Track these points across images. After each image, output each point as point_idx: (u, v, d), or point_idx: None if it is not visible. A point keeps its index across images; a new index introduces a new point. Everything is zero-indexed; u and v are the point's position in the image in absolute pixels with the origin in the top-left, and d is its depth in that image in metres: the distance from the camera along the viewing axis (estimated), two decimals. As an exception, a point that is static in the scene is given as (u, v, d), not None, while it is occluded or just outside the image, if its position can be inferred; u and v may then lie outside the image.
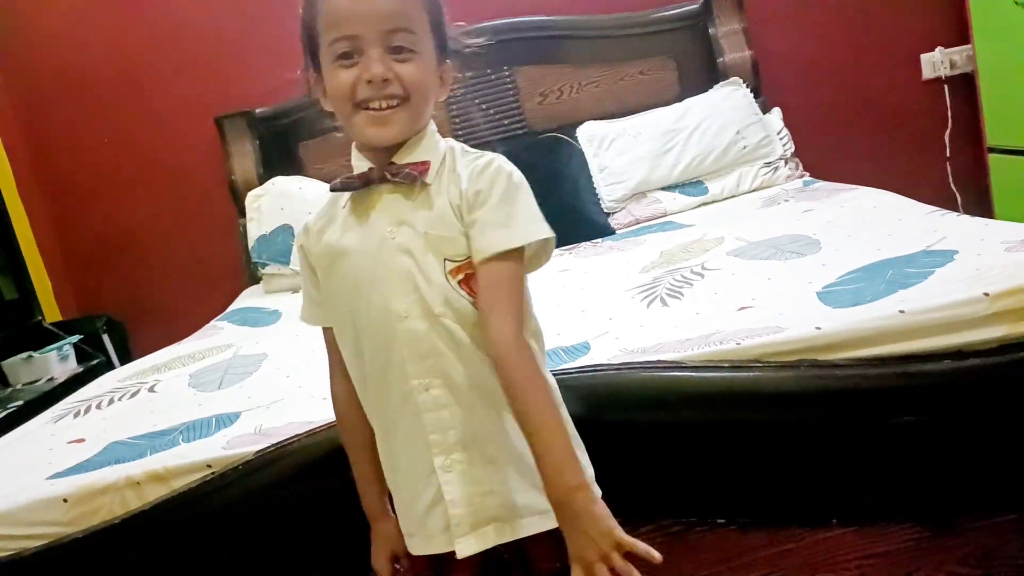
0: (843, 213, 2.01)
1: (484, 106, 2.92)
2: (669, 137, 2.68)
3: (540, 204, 1.00)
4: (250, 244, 2.75)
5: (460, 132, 2.84)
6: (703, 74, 2.90)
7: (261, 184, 2.85)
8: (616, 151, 2.71)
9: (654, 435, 1.23)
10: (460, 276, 0.97)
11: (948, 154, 3.03)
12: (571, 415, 1.01)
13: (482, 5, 2.65)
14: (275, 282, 2.70)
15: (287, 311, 2.39)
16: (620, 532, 0.88)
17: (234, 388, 1.66)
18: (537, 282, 1.04)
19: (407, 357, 0.96)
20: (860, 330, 1.23)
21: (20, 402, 2.32)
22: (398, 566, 1.08)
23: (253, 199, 2.79)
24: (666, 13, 2.93)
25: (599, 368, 1.25)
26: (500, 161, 0.99)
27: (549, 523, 0.95)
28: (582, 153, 2.71)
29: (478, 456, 0.97)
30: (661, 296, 1.67)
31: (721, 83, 2.81)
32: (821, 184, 2.49)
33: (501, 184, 0.97)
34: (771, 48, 2.92)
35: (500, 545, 0.98)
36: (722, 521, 1.26)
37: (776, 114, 2.81)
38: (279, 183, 2.79)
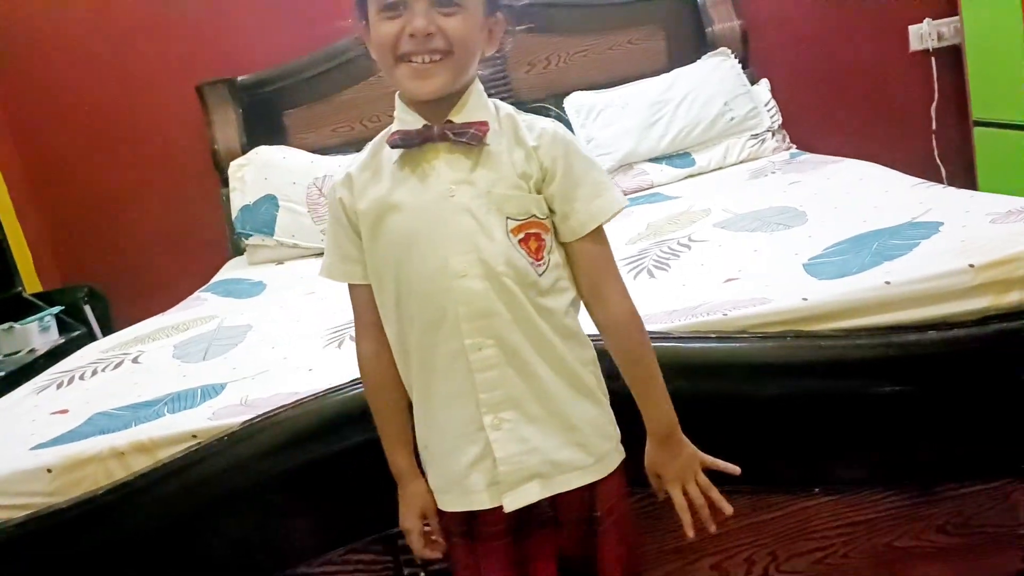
0: (829, 185, 2.02)
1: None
2: (657, 108, 2.66)
3: (527, 175, 1.01)
4: (233, 214, 2.72)
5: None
6: (692, 43, 2.89)
7: (244, 153, 2.80)
8: (603, 122, 2.69)
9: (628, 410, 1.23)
10: (520, 235, 0.98)
11: (934, 127, 3.04)
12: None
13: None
14: (259, 253, 2.68)
15: (271, 282, 2.38)
16: (703, 455, 1.08)
17: (219, 359, 1.65)
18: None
19: (462, 316, 0.97)
20: (846, 301, 1.24)
21: (1, 373, 2.30)
22: (427, 525, 1.08)
23: (236, 169, 2.75)
24: (655, -20, 2.90)
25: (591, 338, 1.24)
26: (559, 126, 1.02)
27: (588, 477, 1.02)
28: (570, 124, 2.69)
29: (523, 415, 0.99)
30: (648, 268, 1.67)
31: (709, 54, 2.80)
32: (807, 156, 2.49)
33: (576, 153, 1.00)
34: (759, 18, 2.91)
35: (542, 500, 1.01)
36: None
37: (764, 86, 2.80)
38: (263, 153, 2.76)
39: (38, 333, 2.56)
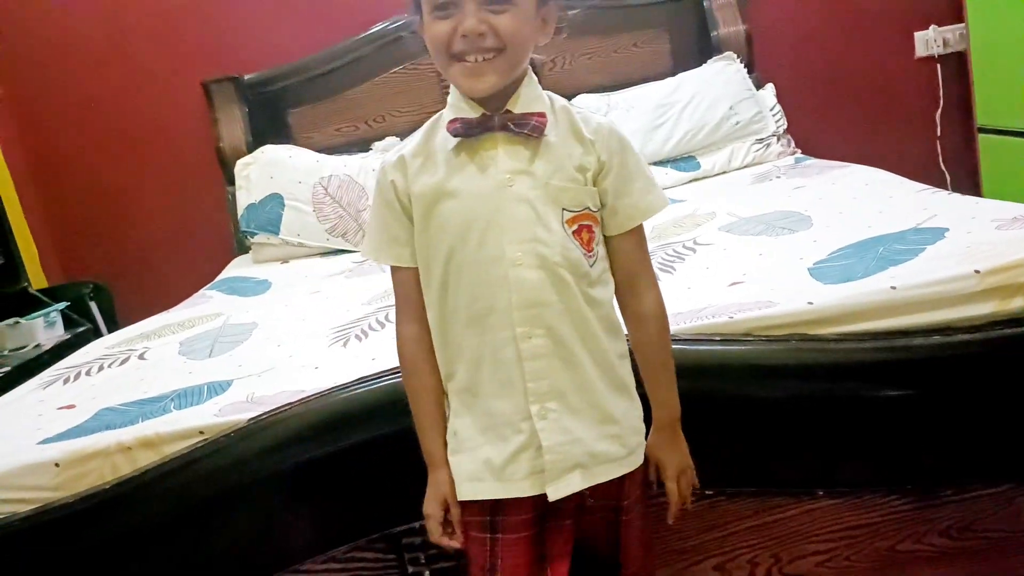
0: (834, 190, 2.02)
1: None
2: (662, 111, 2.66)
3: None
4: (239, 213, 2.73)
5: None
6: (696, 47, 2.89)
7: (250, 152, 2.81)
8: (609, 125, 2.69)
9: (644, 406, 1.23)
10: (575, 227, 1.00)
11: (939, 133, 3.04)
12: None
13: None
14: (264, 251, 2.69)
15: (277, 281, 2.39)
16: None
17: (224, 356, 1.65)
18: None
19: (515, 304, 0.98)
20: (851, 305, 1.24)
21: (7, 368, 2.31)
22: (447, 514, 1.07)
23: (242, 167, 2.76)
24: (661, -16, 2.91)
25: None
26: (613, 123, 1.04)
27: (623, 469, 1.04)
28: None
29: (566, 406, 1.00)
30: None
31: (715, 57, 2.80)
32: (812, 161, 2.49)
33: (630, 149, 1.03)
34: (765, 22, 2.91)
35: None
36: (709, 492, 1.28)
37: (769, 90, 2.80)
38: (268, 151, 2.76)
39: (43, 329, 2.57)
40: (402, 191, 1.03)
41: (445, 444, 1.06)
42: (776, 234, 1.73)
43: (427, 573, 1.28)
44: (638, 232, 1.06)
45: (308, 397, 1.25)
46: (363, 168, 2.65)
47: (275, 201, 2.66)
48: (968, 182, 2.89)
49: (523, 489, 1.01)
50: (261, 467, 1.22)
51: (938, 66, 3.00)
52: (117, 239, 3.07)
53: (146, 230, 3.06)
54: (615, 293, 1.07)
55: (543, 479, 1.00)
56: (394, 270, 1.08)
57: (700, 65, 2.80)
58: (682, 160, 2.66)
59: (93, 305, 2.79)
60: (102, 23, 2.94)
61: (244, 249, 2.81)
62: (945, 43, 2.98)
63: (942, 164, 3.04)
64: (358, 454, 1.21)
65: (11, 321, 2.55)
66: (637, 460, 1.06)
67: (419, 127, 1.07)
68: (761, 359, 1.22)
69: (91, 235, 3.08)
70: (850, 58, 3.00)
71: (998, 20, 2.60)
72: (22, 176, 2.99)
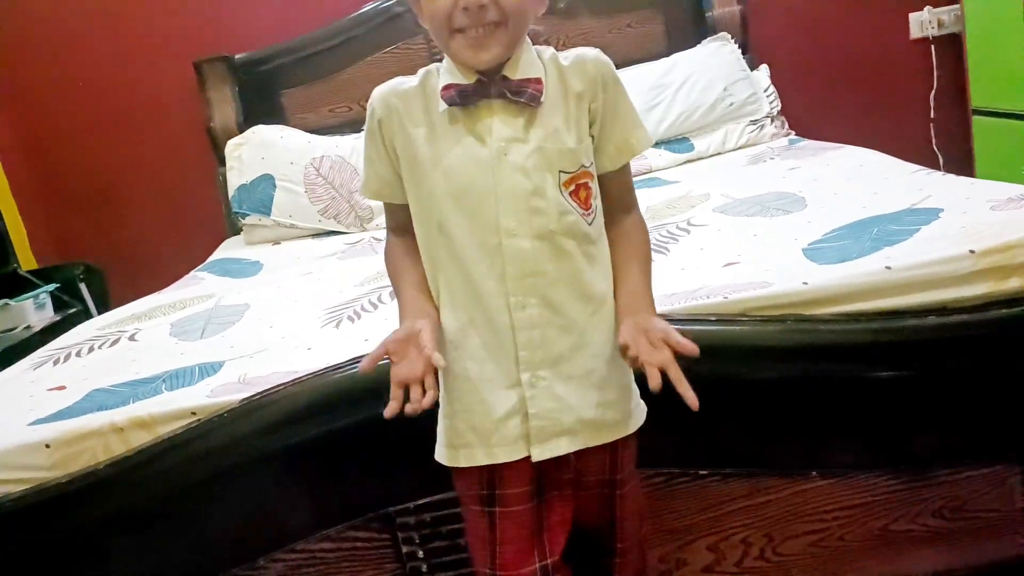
0: (829, 171, 2.02)
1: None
2: (656, 93, 2.65)
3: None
4: (230, 193, 2.71)
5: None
6: (691, 28, 2.88)
7: (241, 132, 2.79)
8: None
9: (638, 386, 1.23)
10: (572, 187, 0.99)
11: (932, 115, 3.03)
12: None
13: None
14: (256, 233, 2.67)
15: (268, 262, 2.37)
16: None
17: (216, 338, 1.64)
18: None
19: (509, 274, 0.97)
20: (846, 285, 1.24)
21: (-3, 349, 2.30)
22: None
23: (233, 148, 2.74)
24: (656, -38, 2.89)
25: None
26: (599, 55, 1.02)
27: (615, 434, 1.04)
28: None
29: (559, 373, 1.00)
30: (647, 251, 1.66)
31: (709, 38, 2.79)
32: (806, 143, 2.49)
33: (616, 84, 1.02)
34: (760, 3, 2.89)
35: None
36: (704, 472, 1.28)
37: (763, 71, 2.79)
38: (260, 132, 2.74)
39: (33, 310, 2.56)
40: (387, 137, 1.01)
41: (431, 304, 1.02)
42: (771, 215, 1.72)
43: (421, 553, 1.28)
44: (626, 166, 1.06)
45: (301, 378, 1.24)
46: (356, 149, 2.63)
47: (267, 182, 2.64)
48: (961, 164, 2.88)
49: (509, 453, 1.01)
50: (255, 447, 1.22)
51: (932, 47, 2.99)
52: (108, 220, 3.05)
53: (137, 211, 3.04)
54: (605, 214, 1.07)
55: (527, 444, 1.00)
56: (386, 205, 1.08)
57: (694, 46, 2.79)
58: (676, 141, 2.65)
59: (83, 286, 2.78)
60: (93, 2, 2.90)
61: (236, 230, 2.80)
62: (940, 24, 2.97)
63: (935, 146, 3.03)
64: (351, 434, 1.21)
65: (1, 302, 2.53)
66: (631, 426, 1.06)
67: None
68: (756, 339, 1.22)
69: (82, 216, 3.06)
70: (845, 39, 2.99)
71: (993, 1, 2.59)
72: (11, 156, 2.96)
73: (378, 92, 1.03)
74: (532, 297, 0.98)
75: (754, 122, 2.65)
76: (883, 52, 3.00)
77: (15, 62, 2.95)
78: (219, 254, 2.62)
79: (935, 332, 1.21)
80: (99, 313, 2.57)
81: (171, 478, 1.22)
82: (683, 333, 1.20)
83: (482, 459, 1.02)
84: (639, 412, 1.07)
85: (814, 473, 1.28)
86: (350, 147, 2.65)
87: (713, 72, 2.67)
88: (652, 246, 1.64)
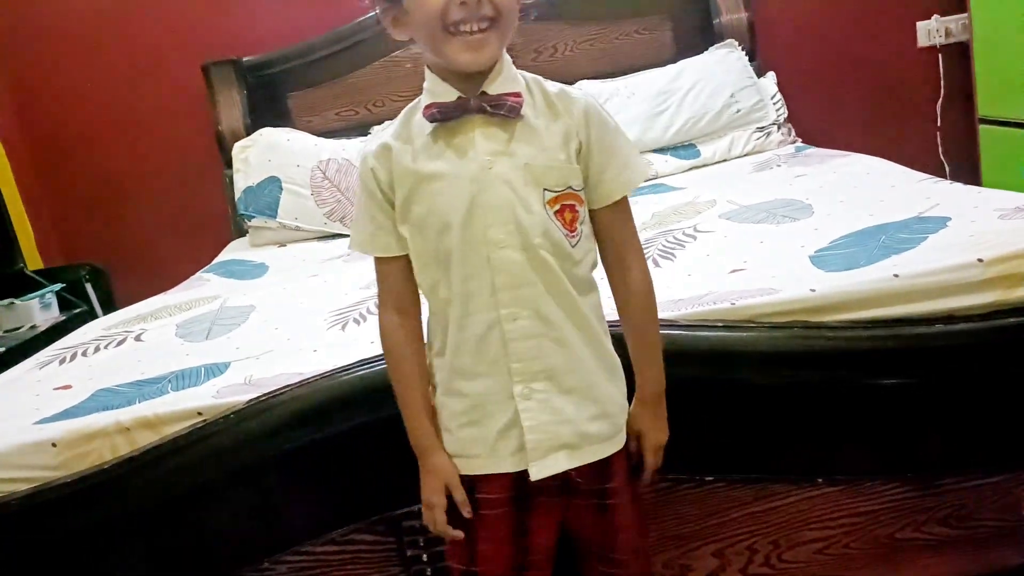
0: (835, 179, 2.02)
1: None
2: (663, 98, 2.65)
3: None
4: (236, 196, 2.71)
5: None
6: (698, 34, 2.88)
7: (248, 135, 2.80)
8: (609, 111, 2.65)
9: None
10: (557, 207, 0.99)
11: (939, 123, 3.03)
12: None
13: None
14: (262, 235, 2.67)
15: (274, 264, 2.38)
16: None
17: (222, 339, 1.65)
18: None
19: (500, 286, 0.98)
20: (854, 293, 1.24)
21: (2, 349, 2.30)
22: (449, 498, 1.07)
23: (240, 150, 2.74)
24: (663, -30, 2.89)
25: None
26: (589, 96, 1.04)
27: (612, 448, 1.05)
28: (576, 112, 2.68)
29: (556, 387, 1.00)
30: (653, 257, 1.66)
31: (716, 45, 2.79)
32: (813, 150, 2.49)
33: (606, 123, 1.03)
34: (767, 10, 2.90)
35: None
36: (709, 478, 1.28)
37: (771, 78, 2.79)
38: (267, 134, 2.75)
39: (39, 310, 2.56)
40: (384, 180, 1.02)
41: (436, 429, 1.06)
42: (777, 222, 1.72)
43: (425, 556, 1.28)
44: (622, 205, 1.05)
45: (307, 379, 1.24)
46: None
47: (273, 184, 2.64)
48: (968, 173, 2.88)
49: (508, 466, 1.02)
50: (261, 449, 1.21)
51: (940, 56, 2.99)
52: (114, 221, 3.05)
53: (143, 212, 3.04)
54: (605, 268, 1.07)
55: (527, 457, 1.01)
56: (378, 261, 1.07)
57: (702, 52, 2.79)
58: (682, 148, 2.65)
59: (89, 287, 2.78)
60: (101, 4, 2.92)
61: (241, 232, 2.80)
62: (947, 33, 2.97)
63: (942, 155, 3.03)
64: (357, 437, 1.21)
65: (6, 302, 2.54)
66: (624, 439, 1.07)
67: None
68: (763, 346, 1.22)
69: (88, 217, 3.06)
70: (852, 47, 2.99)
71: (1001, 10, 2.59)
72: (19, 157, 2.97)
73: (367, 149, 1.04)
74: (524, 309, 0.99)
75: (761, 129, 2.65)
76: (890, 60, 3.00)
77: (24, 63, 2.96)
78: (225, 256, 2.62)
79: (942, 340, 1.21)
80: (105, 314, 2.57)
81: (177, 479, 1.22)
82: (691, 339, 1.22)
83: (481, 469, 1.03)
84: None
85: (820, 480, 1.28)
86: (356, 150, 2.66)
87: (720, 79, 2.67)
88: (659, 251, 1.68)
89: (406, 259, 1.04)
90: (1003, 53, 2.62)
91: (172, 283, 2.29)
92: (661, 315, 1.22)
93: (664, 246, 1.72)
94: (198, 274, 2.37)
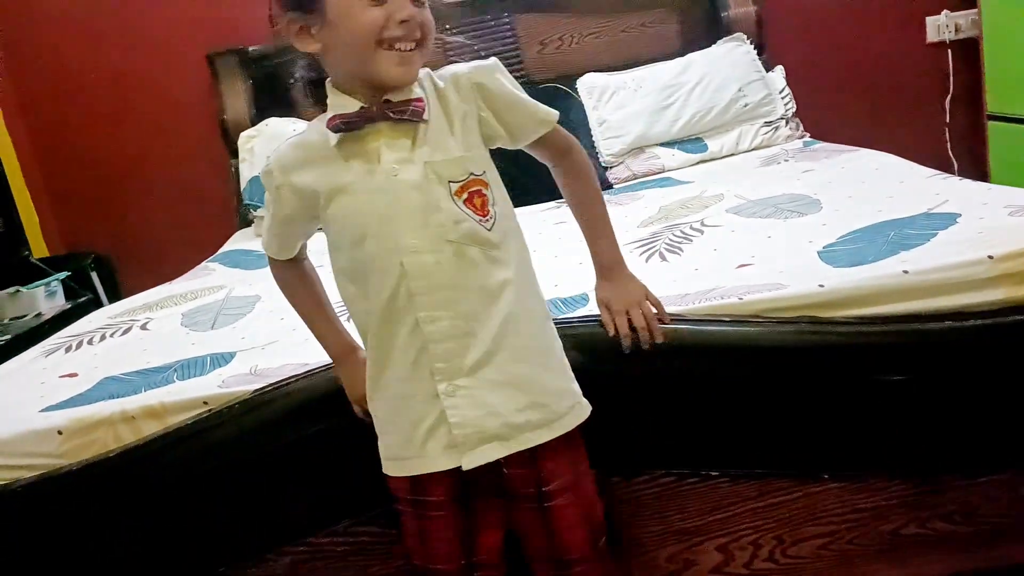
0: (844, 174, 2.01)
1: (483, 53, 2.84)
2: (670, 92, 2.64)
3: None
4: (242, 185, 2.71)
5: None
6: (706, 28, 2.86)
7: (253, 125, 2.79)
8: (616, 104, 2.67)
9: (651, 386, 1.23)
10: (464, 196, 1.02)
11: (947, 119, 3.02)
12: (569, 365, 1.12)
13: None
14: (267, 225, 2.67)
15: (279, 254, 2.37)
16: (649, 290, 1.20)
17: (228, 328, 1.65)
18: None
19: (416, 290, 1.00)
20: (863, 288, 1.23)
21: (7, 337, 2.30)
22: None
23: (246, 140, 2.74)
24: (671, -38, 2.88)
25: (597, 318, 1.24)
26: (471, 64, 1.07)
27: (547, 435, 1.05)
28: (582, 106, 2.67)
29: (481, 381, 1.02)
30: (660, 251, 1.66)
31: (724, 38, 2.77)
32: (821, 145, 2.47)
33: (492, 74, 1.06)
34: (776, 4, 2.88)
35: (501, 461, 1.04)
36: (714, 473, 1.28)
37: (779, 72, 2.78)
38: (273, 124, 2.74)
39: (44, 298, 2.56)
40: (288, 192, 1.06)
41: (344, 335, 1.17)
42: (785, 217, 1.71)
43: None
44: (557, 129, 1.11)
45: (313, 370, 1.24)
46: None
47: (279, 174, 2.63)
48: (976, 170, 2.87)
49: (442, 464, 1.03)
50: (266, 439, 1.22)
51: (949, 52, 2.98)
52: (120, 211, 3.05)
53: (149, 202, 3.04)
54: (551, 170, 1.15)
55: (459, 453, 1.02)
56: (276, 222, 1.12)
57: (709, 46, 2.78)
58: (689, 142, 2.64)
59: (94, 275, 2.79)
60: (106, -9, 2.91)
61: (247, 222, 2.80)
62: (957, 28, 2.96)
63: (950, 151, 3.02)
64: (362, 428, 1.20)
65: (12, 290, 2.54)
66: (565, 426, 1.06)
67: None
68: (770, 341, 1.21)
69: (94, 206, 3.06)
70: (861, 42, 2.98)
71: (1011, 6, 2.58)
72: (25, 145, 2.97)
73: (269, 163, 1.08)
74: (443, 310, 1.00)
75: (768, 123, 2.64)
76: (899, 56, 2.99)
77: (29, 53, 2.95)
78: (230, 245, 2.62)
79: (951, 336, 1.20)
80: (110, 303, 2.57)
81: (181, 468, 1.23)
82: (697, 334, 1.21)
83: (413, 470, 1.06)
84: (574, 415, 1.07)
85: (825, 476, 1.28)
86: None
87: (728, 72, 2.66)
88: (666, 245, 1.68)
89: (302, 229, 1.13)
90: (1013, 49, 2.60)
91: (177, 272, 2.30)
92: (668, 309, 1.23)
93: (671, 240, 1.72)
94: (203, 263, 2.37)
